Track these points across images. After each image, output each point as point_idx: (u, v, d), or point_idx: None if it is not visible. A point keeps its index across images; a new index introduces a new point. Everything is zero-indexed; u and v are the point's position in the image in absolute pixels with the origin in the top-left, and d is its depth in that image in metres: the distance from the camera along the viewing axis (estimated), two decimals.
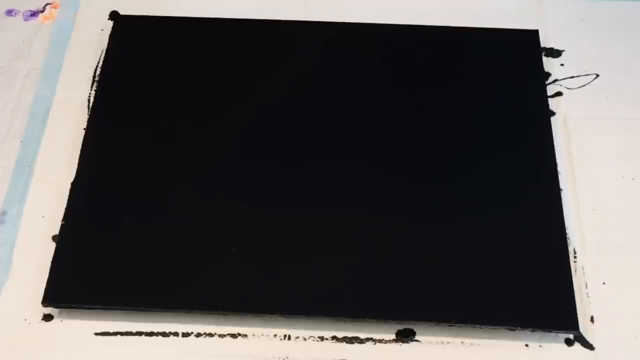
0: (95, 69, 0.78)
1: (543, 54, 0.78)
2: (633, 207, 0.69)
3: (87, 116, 0.75)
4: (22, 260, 0.67)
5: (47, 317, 0.64)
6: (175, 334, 0.63)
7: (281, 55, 0.78)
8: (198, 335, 0.63)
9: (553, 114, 0.75)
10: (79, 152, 0.72)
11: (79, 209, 0.68)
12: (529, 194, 0.68)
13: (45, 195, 0.70)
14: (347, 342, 0.63)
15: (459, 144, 0.71)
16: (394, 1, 0.83)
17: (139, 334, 0.63)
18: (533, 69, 0.76)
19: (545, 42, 0.79)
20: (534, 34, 0.79)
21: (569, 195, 0.70)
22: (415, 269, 0.64)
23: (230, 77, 0.76)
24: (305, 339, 0.63)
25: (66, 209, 0.68)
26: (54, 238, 0.67)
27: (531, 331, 0.62)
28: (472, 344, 0.62)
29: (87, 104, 0.76)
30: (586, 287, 0.65)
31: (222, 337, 0.63)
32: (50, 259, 0.65)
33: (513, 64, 0.77)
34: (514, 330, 0.62)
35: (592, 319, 0.63)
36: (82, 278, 0.64)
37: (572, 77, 0.77)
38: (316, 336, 0.63)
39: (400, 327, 0.63)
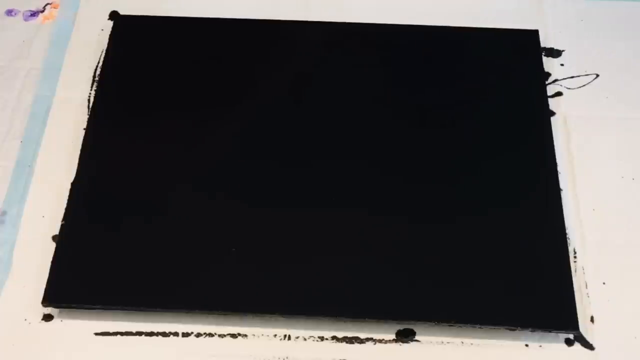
0: (95, 69, 0.78)
1: (543, 54, 0.78)
2: (633, 207, 0.69)
3: (87, 116, 0.75)
4: (22, 260, 0.67)
5: (47, 317, 0.64)
6: (175, 334, 0.63)
7: (281, 55, 0.78)
8: (198, 335, 0.63)
9: (553, 114, 0.75)
10: (79, 152, 0.72)
11: (79, 209, 0.68)
12: (529, 194, 0.68)
13: (45, 195, 0.70)
14: (347, 342, 0.63)
15: (459, 144, 0.71)
16: (394, 1, 0.83)
17: (139, 334, 0.63)
18: (533, 69, 0.76)
19: (545, 42, 0.79)
20: (534, 34, 0.79)
21: (569, 195, 0.70)
22: (415, 269, 0.64)
23: (230, 77, 0.76)
24: (305, 339, 0.63)
25: (66, 209, 0.68)
26: (54, 238, 0.67)
27: (531, 331, 0.62)
28: (472, 344, 0.62)
29: (87, 104, 0.76)
30: (586, 287, 0.65)
31: (222, 337, 0.63)
32: (50, 259, 0.65)
33: (513, 64, 0.77)
34: (514, 330, 0.62)
35: (592, 319, 0.63)
36: (82, 278, 0.64)
37: (572, 77, 0.77)
38: (316, 336, 0.63)
39: (400, 327, 0.63)
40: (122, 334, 0.63)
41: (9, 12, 0.83)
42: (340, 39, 0.79)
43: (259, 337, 0.63)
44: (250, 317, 0.63)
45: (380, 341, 0.63)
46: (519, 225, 0.66)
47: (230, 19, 0.80)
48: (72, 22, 0.82)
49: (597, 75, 0.77)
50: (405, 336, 0.63)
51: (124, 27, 0.80)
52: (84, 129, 0.74)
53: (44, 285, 0.64)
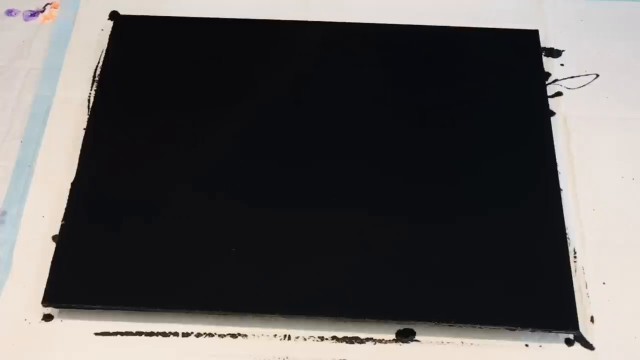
0: (95, 69, 0.78)
1: (543, 54, 0.78)
2: (633, 207, 0.69)
3: (87, 116, 0.75)
4: (22, 260, 0.67)
5: (47, 317, 0.64)
6: (175, 334, 0.63)
7: (281, 55, 0.78)
8: (198, 335, 0.63)
9: (553, 114, 0.75)
10: (79, 152, 0.72)
11: (79, 209, 0.68)
12: (528, 194, 0.68)
13: (45, 195, 0.70)
14: (347, 342, 0.63)
15: (459, 144, 0.71)
16: (394, 1, 0.83)
17: (139, 334, 0.63)
18: (533, 69, 0.76)
19: (545, 42, 0.79)
20: (534, 34, 0.79)
21: (569, 195, 0.70)
22: (415, 269, 0.64)
23: (230, 77, 0.76)
24: (305, 339, 0.63)
25: (66, 209, 0.68)
26: (54, 238, 0.67)
27: (531, 331, 0.62)
28: (472, 344, 0.62)
29: (87, 104, 0.76)
30: (586, 287, 0.65)
31: (222, 337, 0.63)
32: (50, 259, 0.65)
33: (513, 64, 0.77)
34: (514, 330, 0.62)
35: (592, 319, 0.63)
36: (82, 278, 0.64)
37: (572, 77, 0.77)
38: (316, 336, 0.63)
39: (400, 327, 0.63)
40: (122, 334, 0.63)
41: (9, 12, 0.83)
42: (340, 39, 0.79)
43: (259, 337, 0.63)
44: (250, 317, 0.63)
45: (380, 341, 0.63)
46: (519, 225, 0.66)
47: (230, 19, 0.80)
48: (72, 22, 0.82)
49: (597, 75, 0.77)
50: (405, 336, 0.63)
51: (124, 27, 0.80)
52: (84, 129, 0.74)
53: (44, 285, 0.64)
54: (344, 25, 0.80)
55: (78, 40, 0.81)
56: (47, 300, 0.63)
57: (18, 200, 0.70)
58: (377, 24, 0.80)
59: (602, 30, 0.81)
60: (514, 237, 0.66)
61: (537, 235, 0.66)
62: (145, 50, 0.78)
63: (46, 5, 0.84)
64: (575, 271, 0.65)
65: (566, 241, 0.66)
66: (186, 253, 0.65)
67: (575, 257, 0.66)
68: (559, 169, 0.70)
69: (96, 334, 0.63)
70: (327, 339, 0.63)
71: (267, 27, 0.80)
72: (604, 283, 0.65)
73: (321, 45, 0.78)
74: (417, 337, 0.63)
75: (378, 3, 0.83)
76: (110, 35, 0.79)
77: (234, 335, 0.63)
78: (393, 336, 0.63)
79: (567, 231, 0.66)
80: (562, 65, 0.78)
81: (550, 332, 0.62)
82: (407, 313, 0.62)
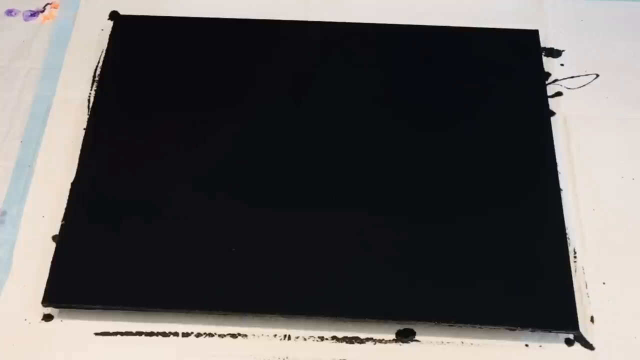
0: (95, 69, 0.78)
1: (543, 54, 0.78)
2: (633, 207, 0.69)
3: (87, 116, 0.75)
4: (22, 260, 0.67)
5: (47, 317, 0.64)
6: (175, 334, 0.63)
7: (281, 55, 0.78)
8: (198, 335, 0.63)
9: (553, 114, 0.75)
10: (79, 152, 0.72)
11: (79, 209, 0.68)
12: (528, 194, 0.68)
13: (45, 195, 0.70)
14: (347, 342, 0.63)
15: (459, 144, 0.71)
16: (394, 1, 0.83)
17: (139, 334, 0.63)
18: (533, 69, 0.76)
19: (545, 42, 0.79)
20: (534, 34, 0.79)
21: (569, 195, 0.70)
22: (415, 269, 0.64)
23: (230, 77, 0.76)
24: (305, 339, 0.63)
25: (66, 209, 0.68)
26: (54, 238, 0.67)
27: (531, 331, 0.62)
28: (472, 344, 0.62)
29: (87, 104, 0.76)
30: (586, 287, 0.65)
31: (222, 337, 0.63)
32: (50, 259, 0.65)
33: (513, 64, 0.77)
34: (514, 330, 0.62)
35: (592, 319, 0.63)
36: (82, 278, 0.64)
37: (572, 77, 0.77)
38: (316, 336, 0.63)
39: (400, 327, 0.63)
40: (122, 334, 0.63)
41: (9, 12, 0.83)
42: (340, 39, 0.79)
43: (259, 337, 0.63)
44: (250, 317, 0.63)
45: (380, 341, 0.63)
46: (519, 225, 0.66)
47: (230, 19, 0.80)
48: (72, 22, 0.82)
49: (597, 75, 0.77)
50: (405, 336, 0.63)
51: (124, 27, 0.80)
52: (84, 129, 0.74)
53: (44, 285, 0.64)
54: (344, 25, 0.80)
55: (78, 40, 0.81)
56: (47, 300, 0.63)
57: (18, 200, 0.70)
58: (377, 24, 0.80)
59: (602, 30, 0.81)
60: (514, 237, 0.66)
61: (537, 235, 0.66)
62: (145, 50, 0.78)
63: (46, 5, 0.84)
64: (575, 271, 0.65)
65: (566, 241, 0.66)
66: (186, 253, 0.65)
67: (575, 257, 0.66)
68: (559, 169, 0.70)
69: (96, 334, 0.63)
70: (327, 339, 0.63)
71: (267, 27, 0.80)
72: (604, 283, 0.65)
73: (321, 45, 0.78)
74: (417, 337, 0.63)
75: (378, 3, 0.83)
76: (110, 35, 0.79)
77: (234, 335, 0.63)
78: (393, 336, 0.63)
79: (567, 231, 0.66)
80: (562, 65, 0.78)
81: (550, 332, 0.62)
82: (407, 313, 0.62)
